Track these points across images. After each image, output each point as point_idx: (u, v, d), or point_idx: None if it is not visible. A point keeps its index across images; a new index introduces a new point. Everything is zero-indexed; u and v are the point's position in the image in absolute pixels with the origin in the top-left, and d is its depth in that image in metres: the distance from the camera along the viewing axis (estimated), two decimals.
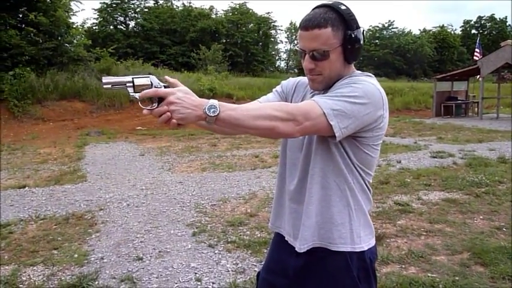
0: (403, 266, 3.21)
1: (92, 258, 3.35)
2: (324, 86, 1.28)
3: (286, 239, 1.41)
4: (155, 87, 1.14)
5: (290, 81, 1.50)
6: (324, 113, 1.12)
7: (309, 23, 1.20)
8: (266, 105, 1.20)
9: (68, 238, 3.79)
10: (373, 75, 1.28)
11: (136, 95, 1.14)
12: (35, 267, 3.19)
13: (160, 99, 1.10)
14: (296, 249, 1.32)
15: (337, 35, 1.20)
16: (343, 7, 1.21)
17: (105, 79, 1.16)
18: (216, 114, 1.06)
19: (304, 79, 1.43)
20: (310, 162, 1.29)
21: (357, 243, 1.28)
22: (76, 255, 3.39)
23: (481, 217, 4.32)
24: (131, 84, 1.15)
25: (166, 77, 1.20)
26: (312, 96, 1.35)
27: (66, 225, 4.17)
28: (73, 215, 4.47)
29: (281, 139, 1.45)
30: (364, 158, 1.27)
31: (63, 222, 4.22)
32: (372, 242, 1.33)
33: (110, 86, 1.16)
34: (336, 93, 1.18)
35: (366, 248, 1.29)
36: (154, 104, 1.12)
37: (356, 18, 1.23)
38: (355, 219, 1.28)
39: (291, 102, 1.45)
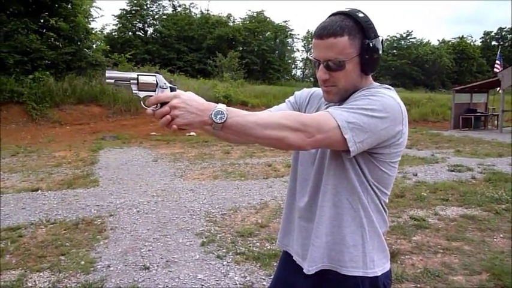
0: (419, 285, 3.07)
1: (99, 266, 3.30)
2: (339, 98, 1.20)
3: (294, 258, 1.32)
4: (160, 87, 1.09)
5: (304, 92, 1.43)
6: (339, 126, 1.05)
7: (324, 31, 1.12)
8: (277, 113, 1.13)
9: (76, 244, 3.76)
10: (392, 88, 1.20)
11: (140, 94, 1.08)
12: (41, 273, 3.16)
13: (164, 103, 1.04)
14: (304, 270, 1.24)
15: (354, 44, 1.12)
16: (360, 14, 1.13)
17: (108, 73, 1.10)
18: (223, 120, 1.00)
19: (318, 90, 1.35)
20: (323, 178, 1.21)
21: (370, 268, 1.19)
22: (83, 262, 3.35)
23: (501, 235, 4.14)
24: (135, 81, 1.09)
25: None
26: (327, 108, 1.27)
27: (76, 230, 4.15)
28: (83, 220, 4.46)
29: (293, 153, 1.38)
30: (380, 176, 1.18)
31: (72, 228, 4.21)
32: (387, 267, 1.24)
33: (112, 81, 1.10)
34: (352, 105, 1.10)
35: (379, 273, 1.20)
36: (158, 105, 1.06)
37: (374, 26, 1.15)
38: (369, 241, 1.19)
39: (305, 113, 1.37)
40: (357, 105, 1.09)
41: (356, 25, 1.12)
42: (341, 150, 1.12)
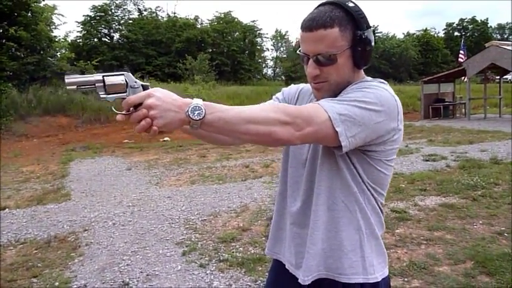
0: (406, 279, 3.05)
1: (74, 286, 3.11)
2: (331, 94, 1.10)
3: (287, 267, 1.23)
4: (131, 87, 0.94)
5: (292, 88, 1.33)
6: (330, 118, 0.96)
7: (313, 23, 1.03)
8: (262, 106, 1.01)
9: (49, 264, 3.55)
10: (386, 82, 1.12)
11: (109, 97, 0.93)
12: None
13: (137, 105, 0.90)
14: (299, 280, 1.14)
15: (345, 35, 1.04)
16: (351, 4, 1.05)
17: (68, 78, 0.93)
18: (201, 117, 0.89)
19: (307, 86, 1.26)
20: (315, 179, 1.12)
21: (370, 273, 1.11)
22: (57, 283, 3.15)
23: (481, 222, 4.20)
24: (101, 84, 0.93)
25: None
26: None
27: (48, 249, 3.92)
28: (55, 237, 4.22)
29: (282, 153, 1.28)
30: (376, 176, 1.10)
31: (44, 246, 3.97)
32: (386, 272, 1.16)
33: (74, 87, 0.94)
34: (344, 98, 1.02)
35: (380, 279, 1.12)
36: (131, 109, 0.92)
37: (366, 16, 1.06)
38: (367, 245, 1.11)
39: None
40: (349, 97, 1.01)
41: (346, 15, 1.04)
42: (333, 147, 1.03)
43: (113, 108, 0.94)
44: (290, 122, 0.94)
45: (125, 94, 0.94)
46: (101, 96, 0.94)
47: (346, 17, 1.04)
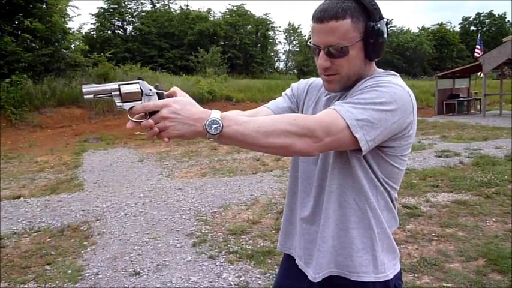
0: (416, 275, 3.03)
1: (87, 274, 3.17)
2: (342, 86, 1.09)
3: (296, 262, 1.23)
4: (146, 94, 0.96)
5: (301, 83, 1.32)
6: (348, 125, 0.94)
7: (325, 14, 1.01)
8: (280, 118, 1.00)
9: (62, 252, 3.61)
10: (397, 74, 1.10)
11: (125, 106, 0.95)
12: (26, 285, 3.02)
13: (153, 112, 0.91)
14: (309, 277, 1.15)
15: (358, 27, 1.02)
16: None
17: (85, 88, 0.96)
18: (218, 131, 0.89)
19: (317, 80, 1.25)
20: (327, 177, 1.11)
21: (381, 272, 1.10)
22: (70, 271, 3.21)
23: (494, 219, 4.14)
24: (117, 92, 0.96)
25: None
26: (328, 99, 1.16)
27: (61, 237, 3.99)
28: (68, 226, 4.30)
29: None
30: (390, 171, 1.09)
31: (57, 235, 4.05)
32: (398, 268, 1.15)
33: (91, 96, 0.97)
34: (359, 100, 0.99)
35: (391, 276, 1.11)
36: (148, 114, 0.93)
37: (379, 7, 1.04)
38: (378, 243, 1.10)
39: (303, 106, 1.27)
40: (364, 99, 0.98)
41: (359, 6, 1.02)
42: (350, 150, 1.02)
43: (129, 116, 0.95)
44: (309, 134, 0.94)
45: (140, 102, 0.96)
46: (117, 104, 0.97)
47: (359, 8, 1.01)
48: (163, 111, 0.90)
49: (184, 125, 0.90)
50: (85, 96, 0.97)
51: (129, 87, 0.96)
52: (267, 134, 0.92)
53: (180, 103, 0.91)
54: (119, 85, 0.97)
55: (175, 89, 1.02)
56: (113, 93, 0.97)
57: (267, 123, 0.94)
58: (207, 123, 0.89)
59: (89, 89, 0.97)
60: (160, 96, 0.97)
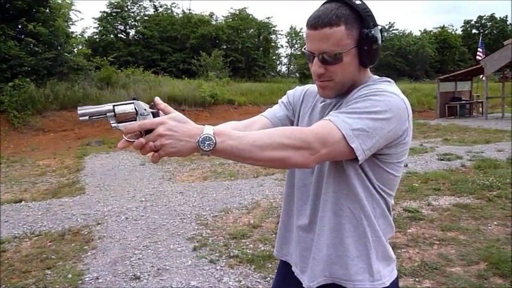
0: (417, 279, 3.02)
1: (87, 279, 3.17)
2: (336, 93, 1.10)
3: (292, 269, 1.23)
4: (141, 114, 0.96)
5: (297, 91, 1.32)
6: (344, 136, 0.95)
7: (319, 21, 1.01)
8: (275, 131, 1.00)
9: (62, 256, 3.62)
10: (392, 81, 1.11)
11: (120, 126, 0.95)
12: None
13: (148, 131, 0.91)
14: (304, 285, 1.15)
15: (352, 34, 1.02)
16: (358, 2, 1.03)
17: (80, 110, 0.97)
18: (211, 148, 0.88)
19: (312, 87, 1.25)
20: (323, 185, 1.11)
21: (377, 279, 1.10)
22: (70, 275, 3.21)
23: (495, 223, 4.12)
24: (112, 113, 0.96)
25: (156, 99, 0.99)
26: (323, 106, 1.17)
27: (62, 241, 3.99)
28: (69, 230, 4.30)
29: None
30: (386, 178, 1.09)
31: (58, 239, 4.05)
32: (394, 274, 1.15)
33: (86, 117, 0.96)
34: (354, 109, 0.99)
35: (387, 284, 1.11)
36: (143, 132, 0.93)
37: (373, 14, 1.04)
38: (373, 251, 1.10)
39: (300, 113, 1.27)
40: (359, 109, 0.99)
41: (353, 13, 1.02)
42: (347, 159, 1.03)
43: (124, 136, 0.95)
44: (305, 147, 0.94)
45: (135, 122, 0.96)
46: (113, 125, 0.97)
47: (353, 15, 1.02)
48: (159, 129, 0.89)
49: (180, 141, 0.89)
50: (80, 118, 0.97)
51: (123, 108, 0.96)
52: (263, 148, 0.92)
53: (175, 120, 0.91)
54: (114, 106, 0.97)
55: (166, 105, 1.00)
56: (107, 114, 0.96)
57: (262, 137, 0.94)
58: (200, 139, 0.89)
59: (84, 110, 0.97)
60: (155, 116, 0.97)
